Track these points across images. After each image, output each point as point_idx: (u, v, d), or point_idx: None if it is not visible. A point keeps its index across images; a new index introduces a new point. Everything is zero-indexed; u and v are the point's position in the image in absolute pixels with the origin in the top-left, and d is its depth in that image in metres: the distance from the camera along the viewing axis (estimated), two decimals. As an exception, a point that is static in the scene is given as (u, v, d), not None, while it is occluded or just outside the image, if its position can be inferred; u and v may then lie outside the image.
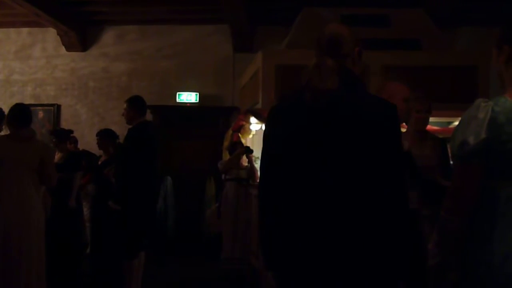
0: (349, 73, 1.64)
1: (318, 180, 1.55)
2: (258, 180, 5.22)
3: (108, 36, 8.34)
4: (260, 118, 5.37)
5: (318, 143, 1.57)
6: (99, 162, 5.20)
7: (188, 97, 7.63)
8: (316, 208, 1.54)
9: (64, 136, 5.62)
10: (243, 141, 5.87)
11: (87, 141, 6.89)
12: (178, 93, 7.71)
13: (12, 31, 8.46)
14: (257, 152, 5.07)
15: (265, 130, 1.75)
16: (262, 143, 1.73)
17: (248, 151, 5.50)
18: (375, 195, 1.53)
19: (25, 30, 8.43)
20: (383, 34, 5.77)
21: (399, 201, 1.58)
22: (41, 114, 8.10)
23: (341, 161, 1.54)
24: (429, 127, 4.93)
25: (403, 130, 3.08)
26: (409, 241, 1.59)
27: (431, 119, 4.69)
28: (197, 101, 7.63)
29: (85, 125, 8.07)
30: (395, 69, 5.38)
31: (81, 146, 6.61)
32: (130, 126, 4.33)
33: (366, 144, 1.55)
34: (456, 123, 5.71)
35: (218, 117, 7.38)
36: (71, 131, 5.87)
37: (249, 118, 5.74)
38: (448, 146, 3.36)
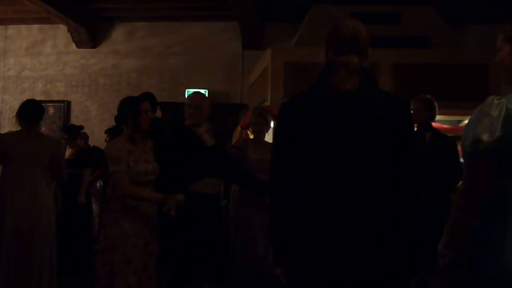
0: (365, 71, 1.65)
1: (332, 176, 1.55)
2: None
3: (118, 33, 8.39)
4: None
5: (334, 139, 1.57)
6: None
7: (197, 94, 7.64)
8: (330, 203, 1.54)
9: (75, 132, 5.65)
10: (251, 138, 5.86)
11: (97, 137, 6.93)
12: (187, 90, 7.73)
13: (23, 27, 8.54)
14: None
15: (277, 126, 1.73)
16: (273, 138, 1.73)
17: None
18: (388, 190, 1.54)
19: (36, 27, 8.51)
20: (392, 32, 5.75)
21: (412, 197, 1.58)
22: (51, 111, 8.17)
23: (356, 157, 1.55)
24: (439, 125, 4.92)
25: None
26: (422, 237, 1.59)
27: (441, 117, 4.69)
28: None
29: (95, 121, 8.13)
30: (404, 67, 5.37)
31: (91, 142, 6.65)
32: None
33: (381, 139, 1.56)
34: (467, 121, 5.67)
35: (227, 114, 7.39)
36: (81, 127, 5.90)
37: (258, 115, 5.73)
38: (458, 144, 3.35)
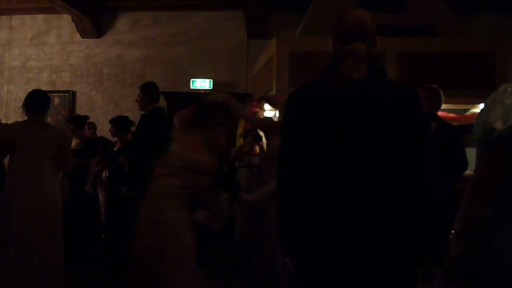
0: (373, 60, 1.64)
1: (342, 164, 1.55)
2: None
3: (122, 22, 8.37)
4: (274, 105, 5.35)
5: (343, 128, 1.57)
6: (114, 149, 5.24)
7: (202, 83, 7.64)
8: (340, 192, 1.54)
9: (80, 123, 5.67)
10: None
11: (102, 127, 6.93)
12: (191, 79, 7.72)
13: (27, 17, 8.53)
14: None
15: (285, 115, 1.73)
16: (282, 128, 1.73)
17: (257, 138, 5.49)
18: (398, 178, 1.54)
19: (40, 16, 8.50)
20: (398, 20, 5.69)
21: (422, 186, 1.58)
22: (57, 101, 8.19)
23: (365, 145, 1.55)
24: (444, 114, 4.89)
25: None
26: (430, 226, 1.59)
27: (447, 106, 4.65)
28: (211, 88, 7.64)
29: (100, 111, 8.14)
30: (410, 56, 5.33)
31: (96, 132, 6.68)
32: (143, 113, 4.34)
33: (390, 128, 1.56)
34: (473, 110, 5.62)
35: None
36: (87, 117, 5.92)
37: (263, 105, 5.72)
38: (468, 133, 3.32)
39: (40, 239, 3.24)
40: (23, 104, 3.41)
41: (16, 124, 3.43)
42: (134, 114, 5.48)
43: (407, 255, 1.55)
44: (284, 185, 1.67)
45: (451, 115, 5.35)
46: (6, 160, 3.67)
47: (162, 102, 5.71)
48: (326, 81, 1.64)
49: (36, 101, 3.41)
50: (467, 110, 5.89)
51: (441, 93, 3.79)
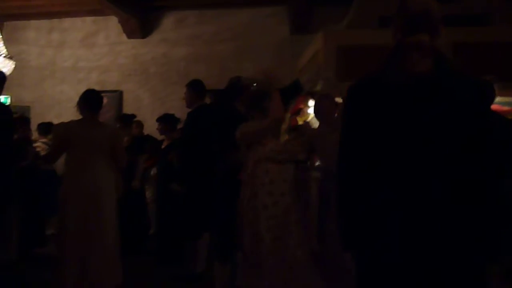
0: (437, 52, 1.56)
1: (406, 159, 1.49)
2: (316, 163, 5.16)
3: (168, 21, 8.50)
4: (320, 100, 5.28)
5: (408, 122, 1.51)
6: (162, 147, 5.33)
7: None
8: (403, 186, 1.49)
9: (128, 121, 5.81)
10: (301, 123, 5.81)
11: (148, 125, 7.05)
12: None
13: (78, 20, 8.81)
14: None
15: (345, 110, 1.69)
16: (342, 122, 1.69)
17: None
18: (465, 172, 1.47)
19: (89, 19, 8.76)
20: (450, 10, 5.48)
21: (491, 182, 1.51)
22: (105, 100, 8.33)
23: (431, 139, 1.48)
24: (498, 107, 4.68)
25: None
26: (500, 226, 1.51)
27: (501, 99, 4.44)
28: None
29: (146, 109, 8.30)
30: (464, 47, 5.11)
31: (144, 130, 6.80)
32: (189, 110, 4.38)
33: (457, 122, 1.48)
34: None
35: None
36: (134, 116, 6.05)
37: (308, 101, 5.67)
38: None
39: (97, 235, 3.34)
40: (77, 103, 3.52)
41: (71, 122, 3.54)
42: (179, 112, 5.56)
43: (477, 253, 1.48)
44: (346, 180, 1.62)
45: (505, 108, 5.11)
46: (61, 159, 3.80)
47: (207, 100, 5.74)
48: (387, 74, 1.57)
49: (91, 100, 3.51)
50: (524, 102, 5.62)
51: (495, 86, 3.62)
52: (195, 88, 4.45)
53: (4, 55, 6.35)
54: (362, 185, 1.57)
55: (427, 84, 1.51)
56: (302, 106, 5.78)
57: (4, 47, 6.50)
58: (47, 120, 6.76)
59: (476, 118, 1.50)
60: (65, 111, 8.29)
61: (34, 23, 9.03)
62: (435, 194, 1.46)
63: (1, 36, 6.54)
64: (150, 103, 8.45)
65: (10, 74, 5.84)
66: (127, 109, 8.14)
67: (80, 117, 3.57)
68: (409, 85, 1.52)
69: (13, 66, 6.51)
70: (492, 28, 5.53)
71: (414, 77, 1.52)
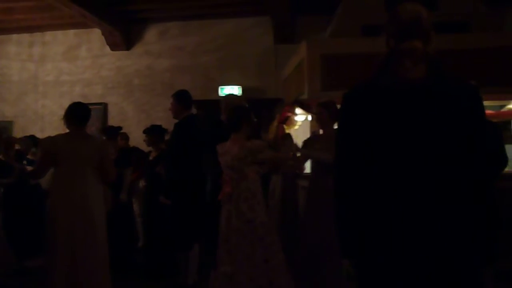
0: (431, 58, 1.59)
1: (404, 165, 1.51)
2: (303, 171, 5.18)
3: (151, 33, 8.51)
4: (306, 108, 5.34)
5: (405, 128, 1.53)
6: (150, 158, 5.29)
7: (231, 90, 7.68)
8: (402, 192, 1.50)
9: (114, 133, 5.75)
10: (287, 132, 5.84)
11: (134, 137, 7.03)
12: (220, 87, 7.77)
13: (59, 33, 8.77)
14: (299, 142, 5.00)
15: (340, 118, 1.71)
16: (338, 131, 1.71)
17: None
18: (462, 176, 1.50)
19: (71, 31, 8.73)
20: (430, 17, 5.60)
21: (487, 184, 1.54)
22: (90, 113, 8.33)
23: (428, 144, 1.50)
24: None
25: None
26: (498, 227, 1.54)
27: (484, 103, 4.55)
28: (240, 94, 7.67)
29: (131, 122, 8.27)
30: (444, 53, 5.21)
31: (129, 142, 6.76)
32: (176, 121, 4.36)
33: (453, 126, 1.51)
34: (510, 106, 5.49)
35: (261, 110, 7.37)
36: (120, 128, 6.00)
37: (295, 109, 5.72)
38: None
39: (86, 250, 3.29)
40: (64, 116, 3.48)
41: (58, 136, 3.50)
42: (165, 123, 5.54)
43: (475, 254, 1.50)
44: (343, 188, 1.64)
45: (489, 111, 5.23)
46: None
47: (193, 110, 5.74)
48: (381, 81, 1.59)
49: (78, 113, 3.47)
50: (503, 106, 5.75)
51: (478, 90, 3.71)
52: (181, 98, 4.42)
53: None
54: (360, 191, 1.58)
55: (422, 89, 1.54)
56: (289, 114, 5.82)
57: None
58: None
59: (472, 121, 1.54)
60: (48, 125, 8.21)
61: (14, 37, 8.95)
62: (432, 196, 1.49)
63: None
64: (135, 115, 8.42)
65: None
66: (112, 121, 8.10)
67: (66, 130, 3.53)
68: (403, 91, 1.55)
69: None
70: (471, 35, 5.66)
71: (408, 83, 1.55)
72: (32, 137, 6.06)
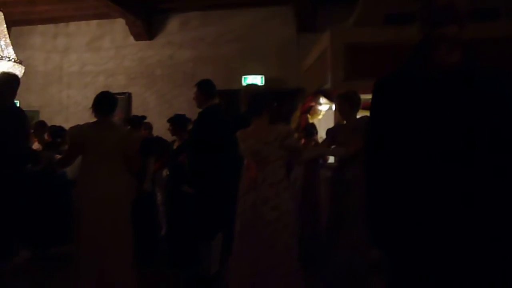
0: (465, 44, 1.55)
1: (439, 155, 1.48)
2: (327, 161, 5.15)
3: (173, 24, 8.53)
4: (330, 98, 5.29)
5: (441, 116, 1.50)
6: (173, 147, 5.32)
7: (254, 80, 7.67)
8: (436, 182, 1.48)
9: (137, 123, 5.79)
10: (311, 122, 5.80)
11: (156, 127, 7.08)
12: (243, 76, 7.76)
13: (83, 24, 8.86)
14: (322, 132, 4.95)
15: (372, 106, 1.67)
16: (370, 119, 1.68)
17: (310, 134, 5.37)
18: (498, 171, 1.46)
19: (94, 22, 8.80)
20: (464, 2, 5.45)
21: None
22: (116, 102, 8.42)
23: (464, 133, 1.47)
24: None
25: None
26: None
27: None
28: (263, 84, 7.65)
29: (153, 112, 8.31)
30: (473, 42, 5.09)
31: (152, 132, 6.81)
32: (200, 110, 4.36)
33: (489, 113, 1.47)
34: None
35: (283, 100, 7.34)
36: (144, 118, 6.04)
37: (318, 99, 5.67)
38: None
39: (111, 238, 3.33)
40: (92, 105, 3.51)
41: (85, 125, 3.54)
42: (187, 113, 5.57)
43: (507, 252, 1.47)
44: (376, 176, 1.61)
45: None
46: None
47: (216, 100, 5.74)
48: (416, 68, 1.56)
49: (105, 102, 3.50)
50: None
51: None
52: (205, 87, 4.41)
53: (13, 59, 6.38)
54: (392, 181, 1.56)
55: (458, 74, 1.51)
56: (313, 104, 5.78)
57: (13, 52, 6.53)
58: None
59: (505, 106, 1.50)
60: (72, 115, 8.33)
61: (39, 28, 9.09)
62: (468, 189, 1.45)
63: (9, 41, 6.57)
64: (156, 105, 8.47)
65: (19, 79, 5.86)
66: (135, 111, 8.18)
67: (90, 120, 3.56)
68: (439, 78, 1.51)
69: (23, 70, 6.54)
70: (501, 22, 5.51)
71: (444, 69, 1.52)
72: (61, 128, 6.14)
